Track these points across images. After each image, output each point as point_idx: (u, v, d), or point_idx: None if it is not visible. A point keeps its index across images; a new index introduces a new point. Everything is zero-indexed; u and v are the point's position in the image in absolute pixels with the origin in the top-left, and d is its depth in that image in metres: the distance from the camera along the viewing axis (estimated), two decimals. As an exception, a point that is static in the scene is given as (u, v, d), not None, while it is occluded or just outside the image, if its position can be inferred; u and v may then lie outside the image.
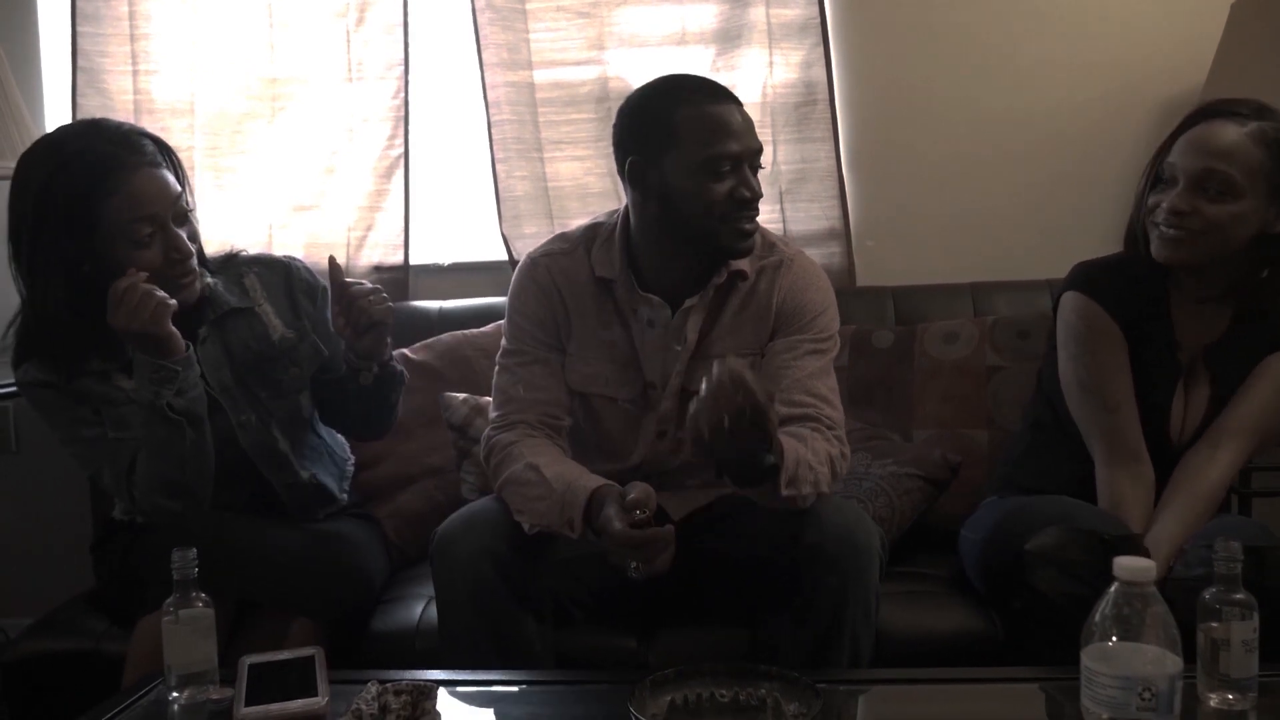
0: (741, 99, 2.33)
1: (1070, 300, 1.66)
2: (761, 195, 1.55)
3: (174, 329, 1.55)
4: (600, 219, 1.69)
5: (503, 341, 1.68)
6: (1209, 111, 1.55)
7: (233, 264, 1.78)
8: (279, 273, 1.79)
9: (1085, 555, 1.42)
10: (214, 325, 1.70)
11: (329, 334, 1.78)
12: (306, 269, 1.83)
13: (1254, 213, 1.52)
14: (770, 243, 1.68)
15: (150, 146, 1.62)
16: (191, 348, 1.60)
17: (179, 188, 1.62)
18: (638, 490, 1.40)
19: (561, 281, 1.64)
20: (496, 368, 1.68)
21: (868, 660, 1.48)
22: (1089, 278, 1.65)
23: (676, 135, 1.52)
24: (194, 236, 1.65)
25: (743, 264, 1.61)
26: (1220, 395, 1.60)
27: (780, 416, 1.49)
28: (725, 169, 1.51)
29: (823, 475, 1.48)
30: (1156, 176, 1.58)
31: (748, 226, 1.54)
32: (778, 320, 1.63)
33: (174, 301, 1.55)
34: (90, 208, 1.54)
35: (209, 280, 1.71)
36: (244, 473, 1.71)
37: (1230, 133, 1.51)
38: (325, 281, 1.76)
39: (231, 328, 1.72)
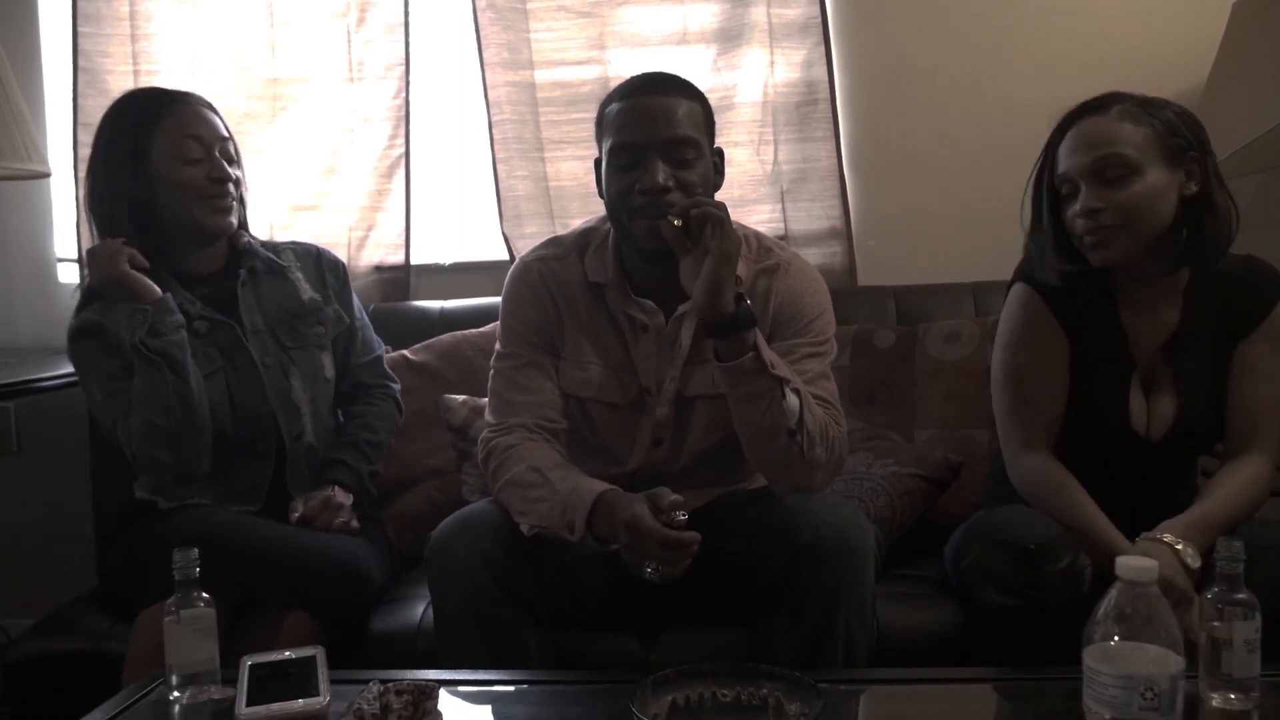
0: (743, 98, 2.38)
1: (1016, 292, 1.64)
2: (669, 187, 1.49)
3: (135, 274, 1.69)
4: (594, 223, 1.69)
5: (497, 345, 1.68)
6: (1070, 119, 1.56)
7: (269, 243, 1.94)
8: (310, 252, 1.97)
9: (1012, 567, 1.43)
10: (251, 275, 1.85)
11: (351, 309, 1.95)
12: (332, 254, 1.99)
13: (1163, 183, 1.51)
14: (766, 247, 1.67)
15: (205, 101, 1.83)
16: (168, 295, 1.71)
17: (227, 134, 1.81)
18: (672, 495, 1.42)
19: (554, 286, 1.64)
20: (491, 371, 1.68)
21: (865, 659, 1.48)
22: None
23: (603, 130, 1.57)
24: (238, 182, 1.82)
25: (737, 269, 1.59)
26: (1185, 390, 1.58)
27: None
28: (625, 161, 1.51)
29: (809, 398, 1.49)
30: (1055, 196, 1.57)
31: (652, 221, 1.49)
32: (774, 324, 1.62)
33: (133, 250, 1.70)
34: (149, 130, 1.75)
35: (247, 239, 1.87)
36: (267, 435, 1.78)
37: (1100, 122, 1.52)
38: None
39: (266, 283, 1.86)
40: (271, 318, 1.83)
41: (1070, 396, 1.61)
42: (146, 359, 1.66)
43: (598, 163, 1.61)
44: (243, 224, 1.88)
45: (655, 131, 1.50)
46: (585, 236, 1.67)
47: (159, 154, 1.74)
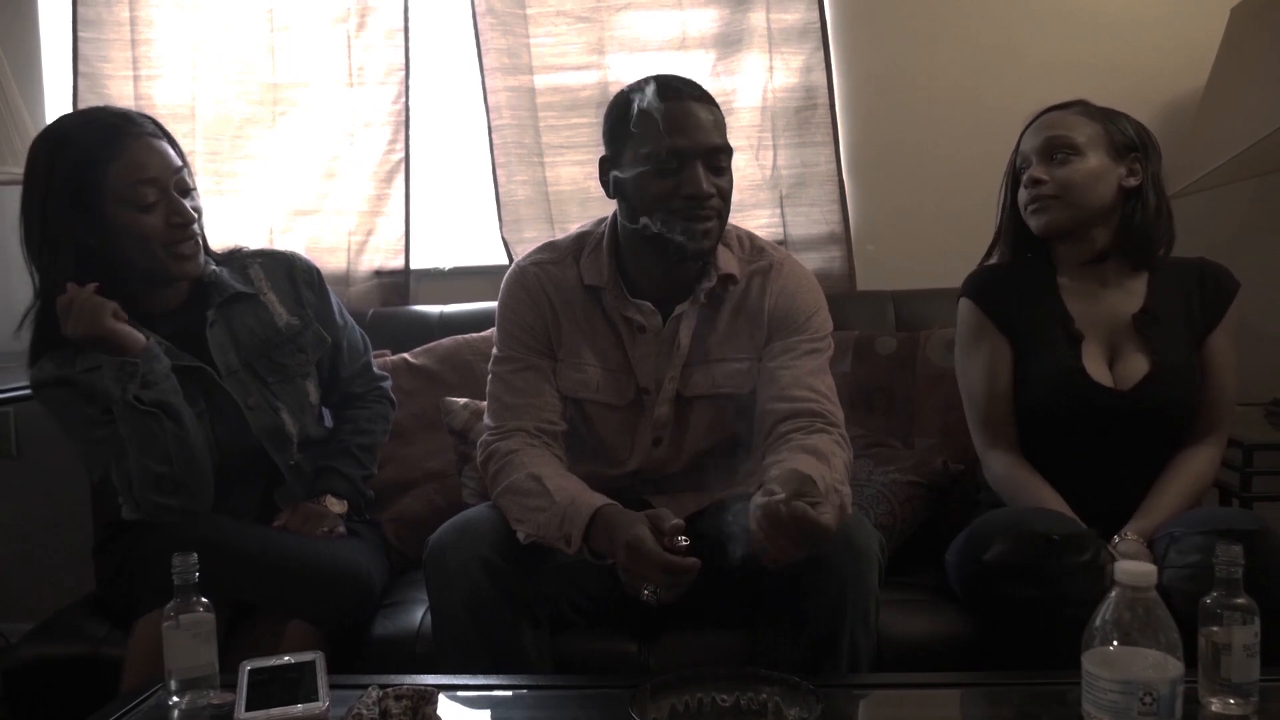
0: (742, 103, 2.39)
1: (960, 306, 1.82)
2: (712, 193, 1.52)
3: (120, 326, 1.60)
4: (588, 228, 1.69)
5: (494, 350, 1.68)
6: (1038, 115, 1.78)
7: (236, 257, 1.83)
8: (281, 263, 1.85)
9: (1037, 559, 1.45)
10: (220, 310, 1.75)
11: (332, 322, 1.86)
12: (305, 259, 1.89)
13: (1104, 170, 1.70)
14: (759, 247, 1.68)
15: (150, 124, 1.67)
16: (152, 339, 1.63)
17: (179, 162, 1.67)
18: (673, 519, 1.38)
19: (551, 289, 1.65)
20: (489, 376, 1.68)
21: (867, 665, 1.47)
22: (975, 285, 1.81)
23: (631, 131, 1.53)
24: (197, 210, 1.68)
25: (732, 268, 1.62)
26: (1157, 350, 1.68)
27: (783, 412, 1.55)
28: (672, 165, 1.51)
29: (847, 495, 1.46)
30: (1016, 179, 1.78)
31: (699, 226, 1.51)
32: (772, 325, 1.63)
33: (113, 303, 1.60)
34: (93, 175, 1.60)
35: (213, 268, 1.76)
36: (256, 465, 1.74)
37: (1059, 114, 1.75)
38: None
39: (238, 314, 1.77)
40: (247, 351, 1.74)
41: (1029, 372, 1.72)
42: (141, 412, 1.59)
43: (606, 160, 1.60)
44: (207, 251, 1.76)
45: (701, 138, 1.52)
46: (580, 240, 1.67)
47: (109, 201, 1.60)
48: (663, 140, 1.50)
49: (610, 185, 1.60)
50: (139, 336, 1.61)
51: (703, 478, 1.68)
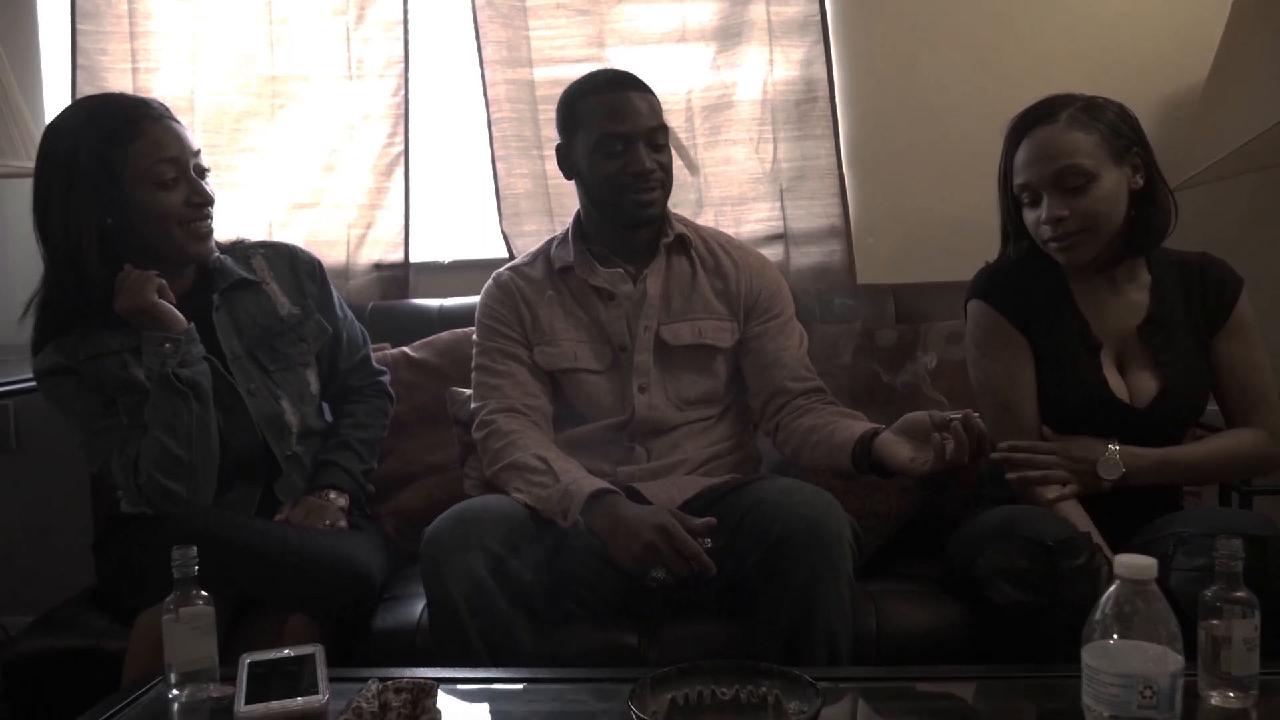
0: (742, 96, 2.39)
1: (972, 308, 1.75)
2: (654, 169, 1.71)
3: (164, 303, 1.64)
4: (557, 235, 1.88)
5: (474, 351, 1.81)
6: (1022, 129, 1.65)
7: (239, 248, 1.87)
8: (284, 254, 1.89)
9: (1031, 563, 1.45)
10: (225, 296, 1.78)
11: (332, 314, 1.90)
12: (307, 252, 1.93)
13: (1116, 184, 1.61)
14: (712, 231, 1.90)
15: (166, 110, 1.72)
16: (192, 324, 1.66)
17: (196, 145, 1.71)
18: (701, 520, 1.53)
19: (522, 285, 1.82)
20: (473, 374, 1.80)
21: (848, 654, 1.48)
22: (988, 285, 1.74)
23: (580, 121, 1.74)
24: (213, 195, 1.72)
25: (685, 229, 1.82)
26: (1167, 363, 1.65)
27: (797, 390, 1.76)
28: (617, 148, 1.70)
29: None
30: (1015, 199, 1.68)
31: (642, 198, 1.72)
32: (753, 305, 1.81)
33: (162, 281, 1.65)
34: (116, 153, 1.64)
35: (218, 255, 1.79)
36: (258, 461, 1.75)
37: (1052, 132, 1.61)
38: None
39: (240, 301, 1.80)
40: (249, 338, 1.77)
41: (1049, 383, 1.67)
42: (175, 389, 1.62)
43: (561, 148, 1.79)
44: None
45: (640, 122, 1.71)
46: (549, 243, 1.86)
47: (130, 180, 1.64)
48: (606, 127, 1.70)
49: (568, 170, 1.79)
50: (181, 318, 1.65)
51: (691, 442, 1.77)
